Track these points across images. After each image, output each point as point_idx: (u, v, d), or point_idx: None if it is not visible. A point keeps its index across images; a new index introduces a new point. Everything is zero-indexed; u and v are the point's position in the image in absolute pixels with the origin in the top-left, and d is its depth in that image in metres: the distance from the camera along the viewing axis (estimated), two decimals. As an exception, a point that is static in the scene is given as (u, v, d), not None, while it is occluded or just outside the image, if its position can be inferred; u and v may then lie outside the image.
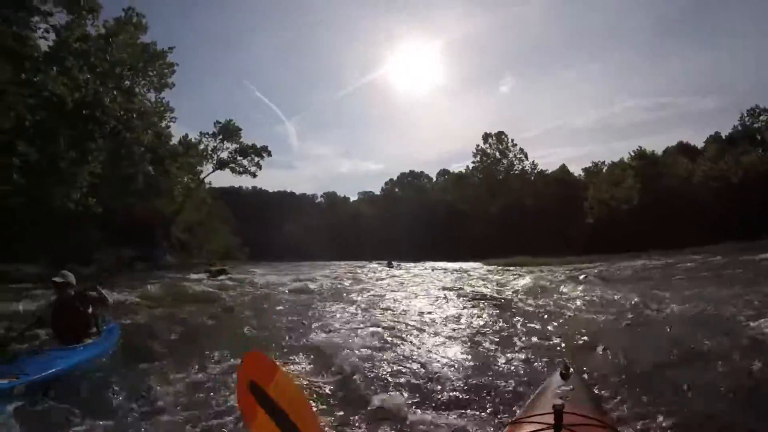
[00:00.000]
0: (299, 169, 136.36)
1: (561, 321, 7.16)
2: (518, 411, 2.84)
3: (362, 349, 5.22)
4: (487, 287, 13.74)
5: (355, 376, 4.23)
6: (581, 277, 15.06)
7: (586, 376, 3.95)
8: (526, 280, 15.06)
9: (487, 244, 43.54)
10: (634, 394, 3.49)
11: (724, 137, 52.01)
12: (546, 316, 7.64)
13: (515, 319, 7.36)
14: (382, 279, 18.54)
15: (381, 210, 77.74)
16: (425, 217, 62.65)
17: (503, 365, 4.61)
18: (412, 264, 33.73)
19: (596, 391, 3.44)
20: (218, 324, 7.75)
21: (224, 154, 43.28)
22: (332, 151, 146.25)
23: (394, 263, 32.83)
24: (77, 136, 18.27)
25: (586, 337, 5.79)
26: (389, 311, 8.74)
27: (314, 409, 1.47)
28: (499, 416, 3.22)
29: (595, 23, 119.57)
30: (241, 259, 50.73)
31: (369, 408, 3.43)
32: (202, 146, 41.16)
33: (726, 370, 4.01)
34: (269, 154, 44.48)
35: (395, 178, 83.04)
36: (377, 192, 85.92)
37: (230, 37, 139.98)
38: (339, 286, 14.90)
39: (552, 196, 51.62)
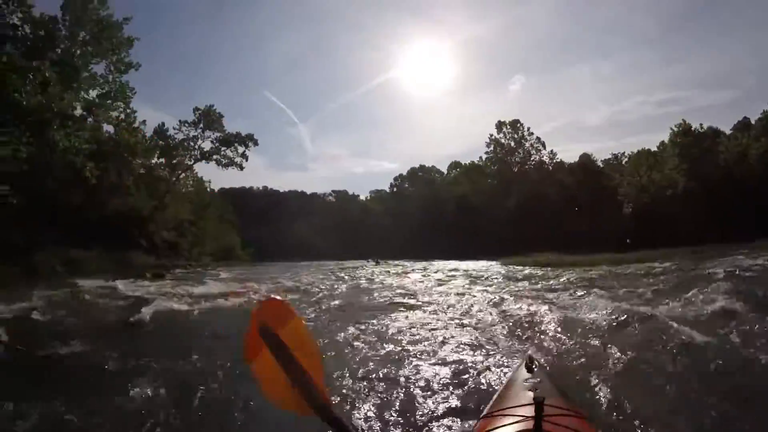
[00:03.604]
0: (313, 171, 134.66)
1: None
2: (485, 406, 2.29)
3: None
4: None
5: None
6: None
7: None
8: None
9: (504, 241, 39.21)
10: (602, 386, 3.25)
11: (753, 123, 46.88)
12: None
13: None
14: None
15: (390, 207, 73.99)
16: (435, 213, 58.49)
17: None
18: (411, 263, 30.15)
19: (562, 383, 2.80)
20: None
21: (206, 145, 38.51)
22: (346, 151, 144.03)
23: (380, 261, 33.81)
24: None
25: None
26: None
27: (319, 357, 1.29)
28: (468, 413, 2.96)
29: (602, 21, 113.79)
30: (243, 260, 48.11)
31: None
32: (181, 136, 37.03)
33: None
34: (255, 143, 39.90)
35: (405, 173, 78.72)
36: (388, 190, 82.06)
37: (244, 40, 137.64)
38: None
39: (576, 187, 46.38)
